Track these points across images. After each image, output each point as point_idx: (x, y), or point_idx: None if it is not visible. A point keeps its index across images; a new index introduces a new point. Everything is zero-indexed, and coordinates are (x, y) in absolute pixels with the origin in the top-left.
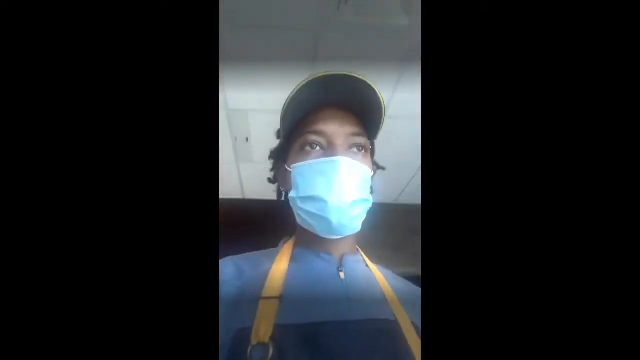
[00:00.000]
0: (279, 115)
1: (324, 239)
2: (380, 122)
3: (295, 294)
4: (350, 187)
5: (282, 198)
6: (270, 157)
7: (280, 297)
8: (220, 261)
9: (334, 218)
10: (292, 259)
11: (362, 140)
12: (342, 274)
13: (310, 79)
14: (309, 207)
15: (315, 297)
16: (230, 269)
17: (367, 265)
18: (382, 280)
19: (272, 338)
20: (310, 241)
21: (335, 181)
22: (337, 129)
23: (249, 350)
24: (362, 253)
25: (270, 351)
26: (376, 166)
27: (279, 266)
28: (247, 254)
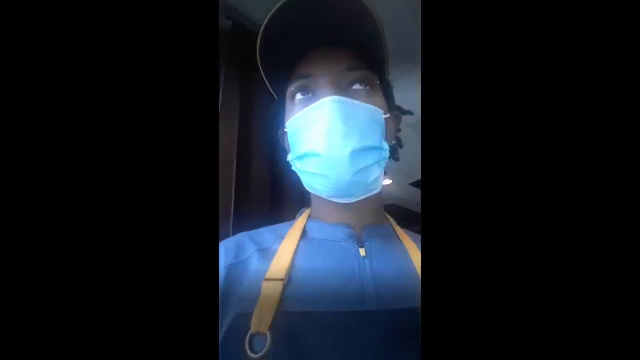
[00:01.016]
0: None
1: (341, 206)
2: (383, 50)
3: (303, 276)
4: (346, 133)
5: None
6: (268, 125)
7: (287, 280)
8: (226, 239)
9: (332, 174)
10: (305, 233)
11: (361, 74)
12: (362, 251)
13: (277, 7)
14: (307, 166)
15: (327, 280)
16: (232, 246)
17: (398, 238)
18: (416, 257)
19: (270, 329)
20: (326, 211)
21: (327, 129)
22: (327, 65)
23: (246, 339)
24: (394, 222)
25: (267, 344)
26: (399, 110)
27: (289, 242)
28: (259, 229)
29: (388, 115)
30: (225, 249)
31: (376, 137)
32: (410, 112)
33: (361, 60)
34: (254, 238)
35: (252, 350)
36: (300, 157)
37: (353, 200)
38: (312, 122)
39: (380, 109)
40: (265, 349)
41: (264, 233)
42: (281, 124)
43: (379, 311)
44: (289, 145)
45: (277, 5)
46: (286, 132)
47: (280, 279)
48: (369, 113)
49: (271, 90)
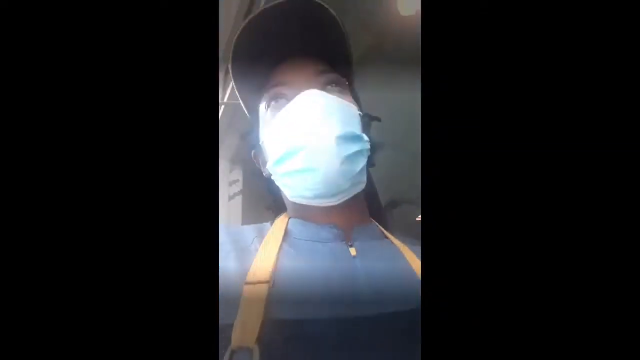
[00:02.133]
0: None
1: (325, 209)
2: (349, 54)
3: (290, 278)
4: (328, 121)
5: (267, 187)
6: (244, 139)
7: (271, 283)
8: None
9: (320, 165)
10: (287, 233)
11: (333, 76)
12: (353, 251)
13: (243, 25)
14: (289, 165)
15: (318, 282)
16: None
17: (386, 237)
18: (409, 255)
19: (258, 340)
20: (308, 214)
21: (313, 119)
22: (298, 71)
23: (226, 356)
24: (379, 225)
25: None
26: (368, 116)
27: (271, 241)
28: (231, 226)
29: (361, 113)
30: None
31: (356, 127)
32: (377, 119)
33: (330, 64)
34: (230, 234)
35: None
36: (281, 159)
37: (337, 200)
38: (292, 118)
39: (352, 104)
40: None
41: (242, 230)
42: (255, 139)
43: (379, 315)
44: (263, 160)
45: (244, 23)
46: (261, 145)
47: (265, 282)
48: (345, 105)
49: (244, 108)
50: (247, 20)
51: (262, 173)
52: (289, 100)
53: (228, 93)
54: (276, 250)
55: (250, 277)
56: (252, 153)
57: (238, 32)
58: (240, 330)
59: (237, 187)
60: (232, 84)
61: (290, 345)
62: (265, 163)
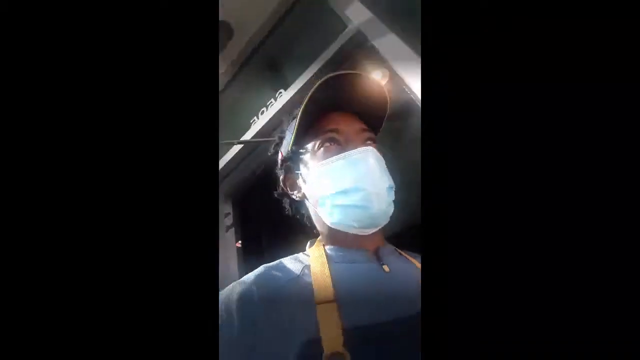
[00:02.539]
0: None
1: (358, 237)
2: (383, 119)
3: (350, 295)
4: (383, 174)
5: (295, 207)
6: (280, 167)
7: (337, 301)
8: (257, 270)
9: (375, 205)
10: (329, 259)
11: (371, 134)
12: (386, 268)
13: (321, 81)
14: (346, 200)
15: (369, 296)
16: (270, 276)
17: (400, 254)
18: (419, 266)
19: (344, 345)
20: (341, 240)
21: (371, 169)
22: (350, 124)
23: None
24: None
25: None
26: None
27: (319, 268)
28: (272, 263)
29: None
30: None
31: (392, 180)
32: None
33: (370, 124)
34: (277, 270)
35: None
36: (340, 193)
37: (374, 230)
38: (354, 164)
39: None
40: None
41: (284, 265)
42: (295, 168)
43: (412, 316)
44: (298, 186)
45: (318, 83)
46: (308, 173)
47: (332, 301)
48: (385, 161)
49: (291, 141)
50: (319, 82)
51: (290, 195)
52: (342, 146)
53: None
54: (329, 274)
55: (318, 298)
56: (281, 177)
57: (313, 88)
58: (328, 341)
59: (229, 220)
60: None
61: (371, 345)
62: (299, 188)
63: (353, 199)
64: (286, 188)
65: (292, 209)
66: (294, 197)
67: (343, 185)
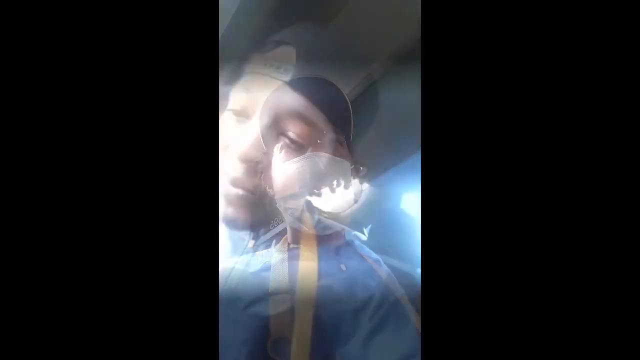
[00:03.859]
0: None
1: (315, 235)
2: (350, 120)
3: (309, 289)
4: (331, 178)
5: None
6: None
7: (291, 294)
8: None
9: (319, 210)
10: (291, 258)
11: (336, 136)
12: (343, 267)
13: (281, 84)
14: (294, 204)
15: (326, 292)
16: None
17: (359, 254)
18: (376, 266)
19: (291, 332)
20: (302, 239)
21: (316, 176)
22: (312, 127)
23: (268, 343)
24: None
25: (292, 346)
26: (359, 164)
27: (279, 264)
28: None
29: (353, 166)
30: None
31: (347, 179)
32: (364, 167)
33: (333, 125)
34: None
35: None
36: (291, 196)
37: (329, 232)
38: (303, 169)
39: (347, 162)
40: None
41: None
42: (267, 167)
43: (367, 306)
44: (270, 184)
45: (279, 85)
46: (271, 174)
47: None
48: (342, 165)
49: (262, 142)
50: (282, 83)
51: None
52: (302, 148)
53: None
54: (286, 270)
55: (272, 289)
56: (261, 175)
57: (272, 91)
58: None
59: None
60: None
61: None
62: (272, 186)
63: (299, 202)
64: (264, 184)
65: (269, 204)
66: (269, 194)
67: (292, 189)
